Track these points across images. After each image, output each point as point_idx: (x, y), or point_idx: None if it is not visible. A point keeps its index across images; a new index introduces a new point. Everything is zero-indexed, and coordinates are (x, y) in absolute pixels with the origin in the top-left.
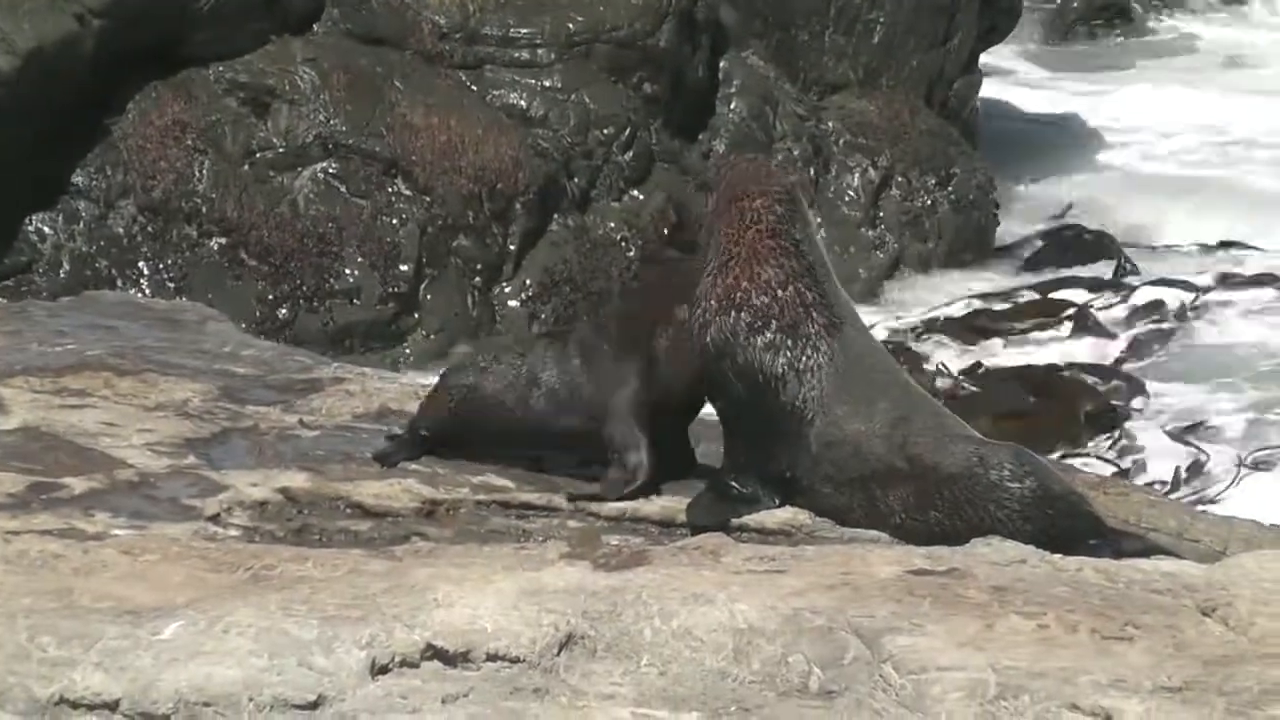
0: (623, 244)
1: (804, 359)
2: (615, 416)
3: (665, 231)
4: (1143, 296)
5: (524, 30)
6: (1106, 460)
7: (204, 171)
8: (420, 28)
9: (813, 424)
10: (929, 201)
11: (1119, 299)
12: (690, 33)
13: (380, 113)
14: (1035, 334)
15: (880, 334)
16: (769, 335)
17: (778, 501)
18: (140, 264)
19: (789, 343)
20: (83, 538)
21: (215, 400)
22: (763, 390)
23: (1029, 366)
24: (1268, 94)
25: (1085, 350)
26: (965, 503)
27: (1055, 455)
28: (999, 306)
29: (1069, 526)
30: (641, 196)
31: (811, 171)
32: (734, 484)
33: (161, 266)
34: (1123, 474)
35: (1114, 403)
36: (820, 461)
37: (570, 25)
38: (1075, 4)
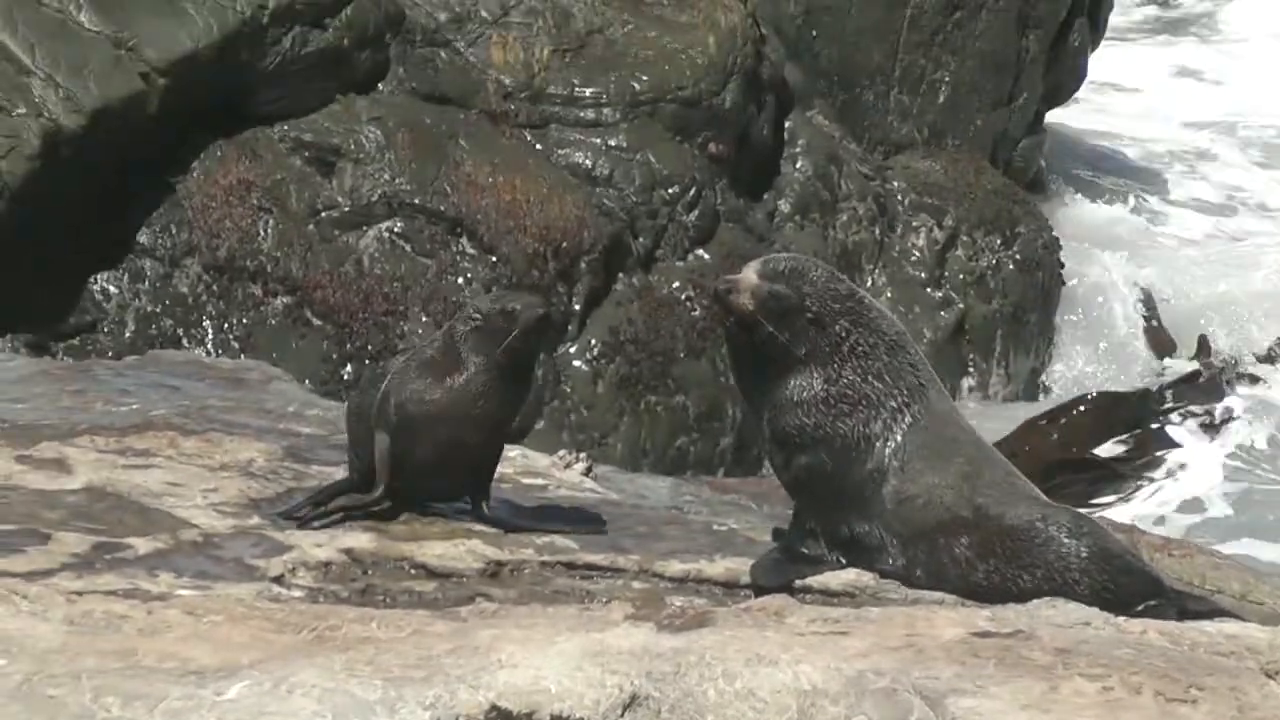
0: (687, 303)
1: (891, 426)
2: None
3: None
4: None
5: (589, 90)
6: None
7: (269, 230)
8: (485, 87)
9: (889, 483)
10: (994, 261)
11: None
12: (755, 92)
13: (445, 172)
14: None
15: None
16: (862, 411)
17: (843, 563)
18: (205, 323)
19: (877, 413)
20: (147, 598)
21: (280, 460)
22: (848, 458)
23: None
24: None
25: None
26: (1023, 553)
27: None
28: None
29: (1126, 585)
30: (707, 256)
31: (877, 231)
32: (799, 545)
33: (226, 325)
34: None
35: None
36: (891, 520)
37: (635, 85)
38: None
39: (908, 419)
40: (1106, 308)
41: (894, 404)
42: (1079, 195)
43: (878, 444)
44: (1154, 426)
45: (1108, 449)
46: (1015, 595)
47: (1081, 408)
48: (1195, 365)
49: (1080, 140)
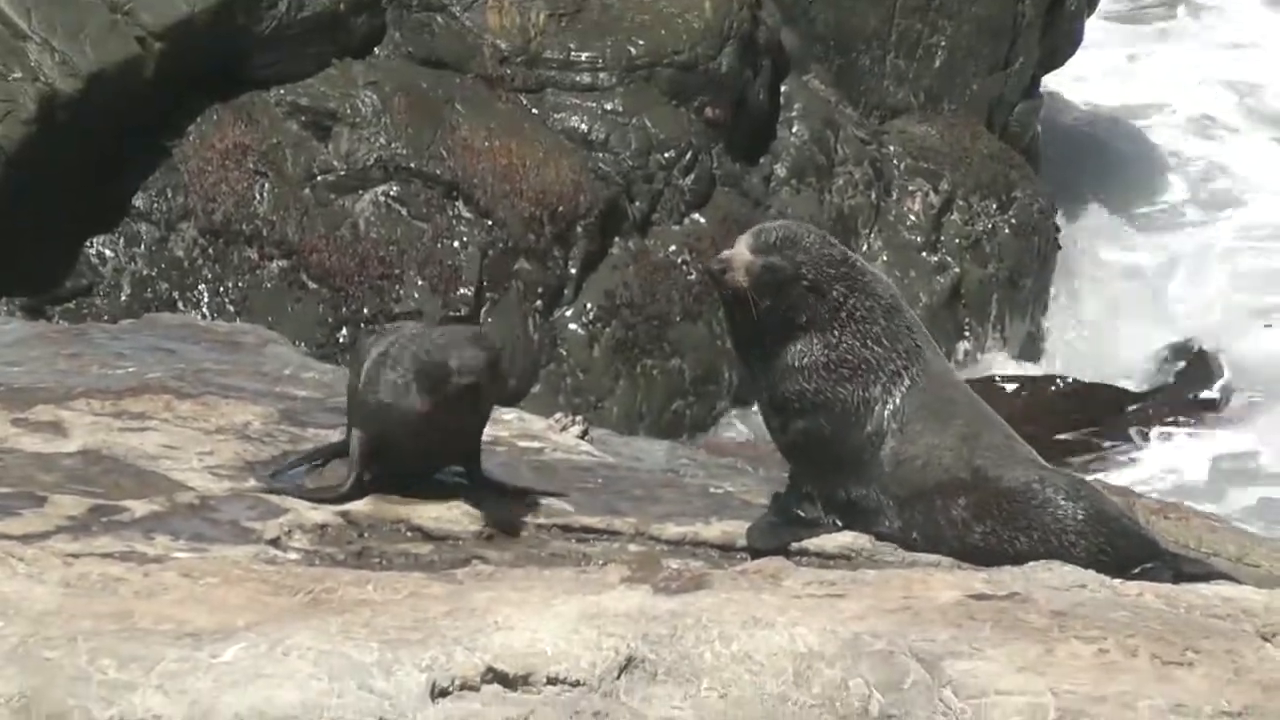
0: (683, 267)
1: (890, 389)
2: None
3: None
4: None
5: (585, 54)
6: None
7: (265, 194)
8: (481, 51)
9: (887, 445)
10: (990, 225)
11: None
12: (752, 56)
13: (441, 136)
14: None
15: None
16: (861, 376)
17: (840, 525)
18: (201, 287)
19: (875, 376)
20: (143, 560)
21: (276, 423)
22: (847, 423)
23: None
24: None
25: None
26: (1020, 515)
27: None
28: None
29: (1122, 547)
30: (703, 220)
31: (873, 196)
32: (796, 508)
33: (222, 289)
34: None
35: None
36: (888, 482)
37: (632, 49)
38: None
39: (906, 381)
40: (1101, 278)
41: (892, 367)
42: (1077, 163)
43: (876, 407)
44: (1116, 419)
45: (1067, 437)
46: (1012, 557)
47: (1052, 388)
48: (1183, 353)
49: (1079, 109)
